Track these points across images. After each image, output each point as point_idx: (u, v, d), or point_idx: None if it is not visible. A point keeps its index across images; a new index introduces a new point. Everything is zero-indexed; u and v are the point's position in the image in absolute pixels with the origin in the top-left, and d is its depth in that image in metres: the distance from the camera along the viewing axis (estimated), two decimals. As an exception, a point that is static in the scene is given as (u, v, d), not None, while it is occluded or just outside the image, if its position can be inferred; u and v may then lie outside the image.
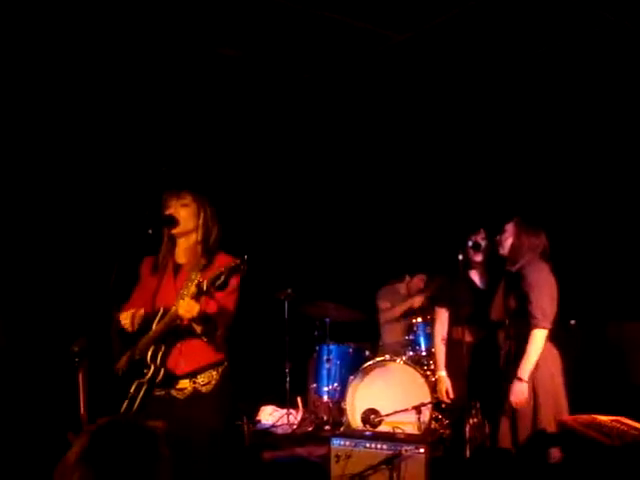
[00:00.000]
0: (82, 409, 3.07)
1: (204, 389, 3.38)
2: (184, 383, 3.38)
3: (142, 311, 3.41)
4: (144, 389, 3.33)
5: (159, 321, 3.36)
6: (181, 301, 3.16)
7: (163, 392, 3.39)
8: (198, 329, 3.27)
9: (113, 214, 3.48)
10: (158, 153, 6.49)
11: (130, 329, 3.39)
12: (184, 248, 3.55)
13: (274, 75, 6.27)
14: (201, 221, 3.50)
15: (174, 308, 3.23)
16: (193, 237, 3.52)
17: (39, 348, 5.06)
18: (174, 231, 3.49)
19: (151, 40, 5.44)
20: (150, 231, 3.36)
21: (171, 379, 3.36)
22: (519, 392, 4.23)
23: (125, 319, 3.38)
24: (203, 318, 3.20)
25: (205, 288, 3.06)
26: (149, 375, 3.32)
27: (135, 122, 6.32)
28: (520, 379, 4.22)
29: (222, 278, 3.02)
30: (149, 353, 3.34)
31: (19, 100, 5.71)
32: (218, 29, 5.38)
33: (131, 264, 3.33)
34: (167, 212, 3.49)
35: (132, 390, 3.33)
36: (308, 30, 5.41)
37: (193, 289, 3.12)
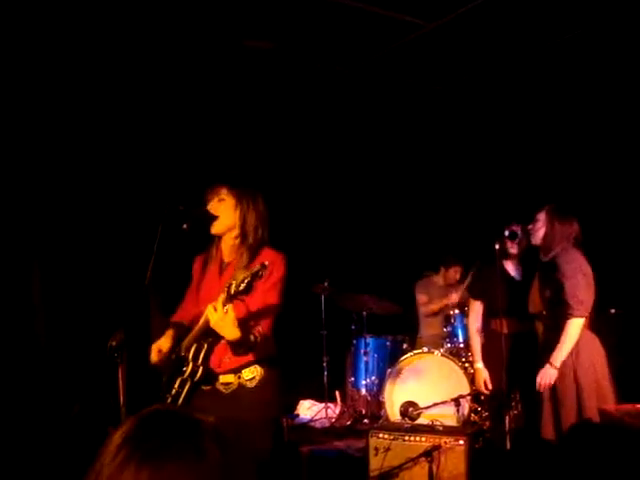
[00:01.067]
0: (122, 404, 3.08)
1: (249, 384, 3.33)
2: (229, 378, 3.34)
3: (167, 346, 3.43)
4: (188, 386, 3.32)
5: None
6: (209, 309, 3.09)
7: (209, 387, 3.37)
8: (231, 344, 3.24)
9: (153, 209, 3.47)
10: (195, 149, 6.52)
11: (155, 360, 3.43)
12: (229, 245, 3.51)
13: (304, 67, 6.25)
14: (239, 216, 3.44)
15: (207, 315, 3.17)
16: (233, 233, 3.47)
17: (79, 343, 5.11)
18: (213, 229, 3.44)
19: (179, 34, 5.46)
20: (185, 226, 3.34)
21: (214, 375, 3.34)
22: (547, 376, 4.20)
23: (153, 353, 3.44)
24: (230, 325, 3.12)
25: (232, 291, 3.00)
26: (187, 373, 3.30)
27: (172, 118, 6.35)
28: (551, 364, 4.18)
29: (245, 282, 2.96)
30: (191, 351, 3.32)
31: (47, 96, 5.76)
32: (246, 22, 5.37)
33: (168, 259, 3.32)
34: (206, 208, 3.44)
35: (176, 386, 3.33)
36: (336, 21, 5.38)
37: (222, 294, 3.06)
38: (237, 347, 3.22)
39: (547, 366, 4.19)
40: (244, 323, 3.18)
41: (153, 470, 1.19)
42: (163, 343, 3.47)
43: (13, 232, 5.61)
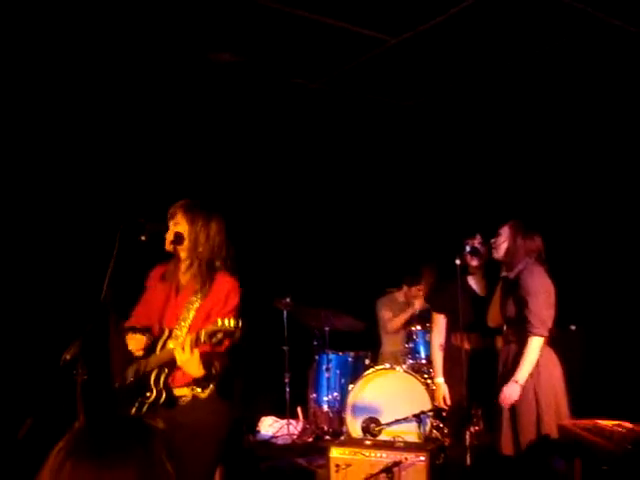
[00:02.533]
0: (80, 418, 3.04)
1: (202, 395, 3.38)
2: (183, 391, 3.38)
3: (145, 337, 3.46)
4: (146, 408, 3.36)
5: (162, 346, 3.40)
6: (177, 350, 3.18)
7: (165, 401, 3.40)
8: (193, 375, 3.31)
9: (111, 221, 3.44)
10: (155, 160, 6.47)
11: (137, 355, 3.46)
12: (184, 267, 3.51)
13: (270, 81, 6.25)
14: (191, 241, 3.43)
15: (172, 350, 3.25)
16: (188, 257, 3.48)
17: (32, 356, 5.03)
18: (167, 245, 3.47)
19: (146, 47, 5.43)
20: (143, 238, 3.33)
21: (173, 399, 3.38)
22: (511, 392, 4.20)
23: (131, 344, 3.45)
24: (194, 364, 3.22)
25: (202, 340, 3.11)
26: (152, 398, 3.35)
27: (137, 130, 6.31)
28: (516, 381, 4.19)
29: (218, 337, 3.08)
30: (152, 376, 3.37)
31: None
32: (213, 34, 5.36)
33: (125, 270, 3.29)
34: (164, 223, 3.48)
35: (136, 406, 3.37)
36: (302, 35, 5.40)
37: (192, 337, 3.15)
38: (200, 381, 3.33)
39: (512, 383, 4.20)
40: (207, 358, 3.27)
41: (93, 466, 1.16)
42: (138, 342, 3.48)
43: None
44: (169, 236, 3.45)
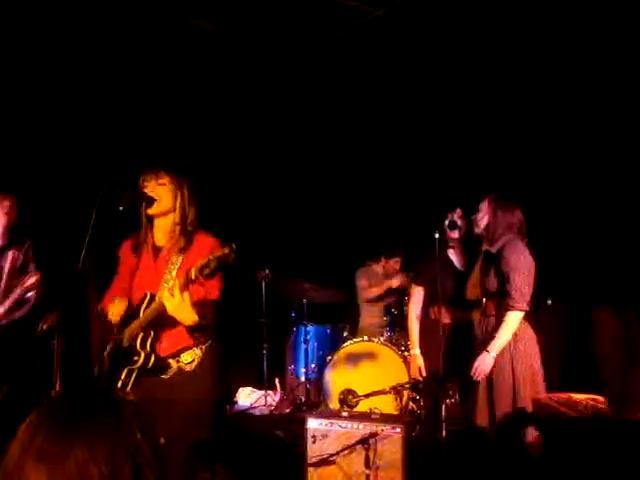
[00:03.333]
0: (56, 388, 3.02)
1: (188, 367, 3.36)
2: (170, 362, 3.37)
3: (124, 303, 3.42)
4: (134, 375, 3.32)
5: (146, 308, 3.33)
6: (166, 295, 3.11)
7: (152, 376, 3.37)
8: (190, 327, 3.26)
9: (87, 191, 3.41)
10: (135, 130, 6.40)
11: (115, 321, 3.41)
12: (162, 229, 3.51)
13: (250, 50, 6.18)
14: (178, 201, 3.46)
15: (159, 299, 3.20)
16: (171, 218, 3.48)
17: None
18: (151, 211, 3.44)
19: (125, 13, 5.35)
20: (121, 208, 3.30)
21: (161, 363, 3.35)
22: (484, 363, 4.23)
23: (111, 313, 3.40)
24: (186, 308, 3.15)
25: (193, 277, 3.01)
26: (140, 362, 3.29)
27: (111, 98, 6.23)
28: (488, 352, 4.22)
29: (211, 266, 2.97)
30: (138, 340, 3.32)
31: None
32: (194, 1, 5.29)
33: (104, 240, 3.27)
34: (144, 191, 3.44)
35: (123, 376, 3.32)
36: (286, 3, 5.33)
37: (181, 279, 3.07)
38: (193, 330, 3.27)
39: (484, 353, 4.23)
40: (198, 307, 3.21)
41: (65, 439, 1.16)
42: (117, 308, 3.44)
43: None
44: (156, 194, 3.41)
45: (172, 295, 3.07)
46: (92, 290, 3.64)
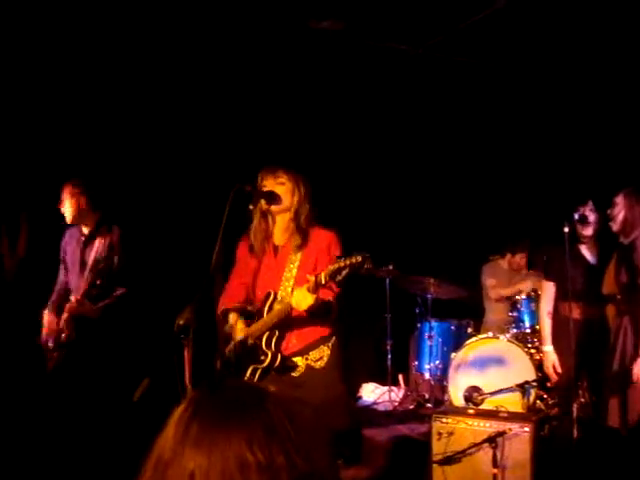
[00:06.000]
0: (188, 383, 3.11)
1: (317, 364, 3.40)
2: (297, 361, 3.41)
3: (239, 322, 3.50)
4: (259, 374, 3.38)
5: (270, 307, 3.40)
6: (296, 293, 3.15)
7: (277, 372, 3.42)
8: (312, 316, 3.29)
9: (215, 190, 3.52)
10: (254, 129, 6.53)
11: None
12: (280, 227, 3.56)
13: (376, 49, 6.16)
14: (296, 199, 3.50)
15: (283, 295, 3.27)
16: (287, 216, 3.53)
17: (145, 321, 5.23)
18: (274, 209, 3.49)
19: (243, 15, 5.45)
20: (251, 207, 3.38)
21: (287, 363, 3.39)
22: None
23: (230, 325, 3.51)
24: (317, 306, 3.19)
25: (324, 281, 3.02)
26: (267, 361, 3.35)
27: (232, 99, 6.38)
28: None
29: (343, 274, 2.96)
30: (264, 339, 3.37)
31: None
32: (313, 1, 5.31)
33: (231, 239, 3.37)
34: (265, 189, 3.48)
35: (248, 374, 3.38)
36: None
37: (311, 283, 3.07)
38: (315, 313, 3.25)
39: (638, 359, 4.09)
40: (324, 303, 3.26)
41: (221, 428, 1.21)
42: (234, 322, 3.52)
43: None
44: (278, 193, 3.46)
45: (303, 296, 3.09)
46: (219, 288, 3.73)
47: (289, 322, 3.36)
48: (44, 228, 5.87)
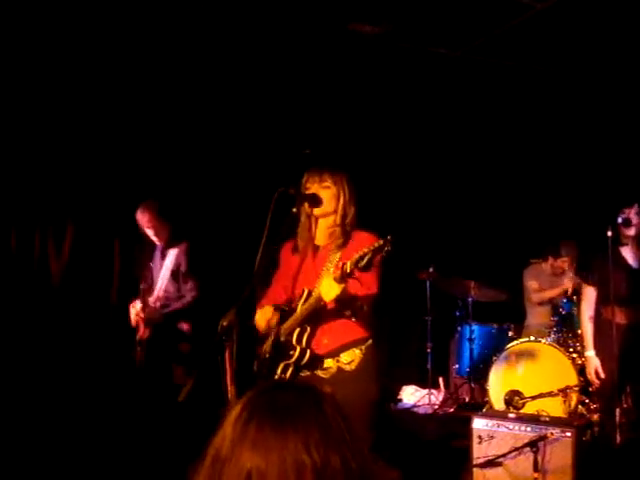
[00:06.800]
0: (230, 384, 3.14)
1: (348, 367, 3.36)
2: (328, 362, 3.37)
3: (274, 316, 3.47)
4: (290, 371, 3.35)
5: (303, 303, 3.37)
6: (323, 282, 3.13)
7: (308, 373, 3.39)
8: (342, 309, 3.27)
9: (261, 193, 3.55)
10: (299, 131, 6.57)
11: (262, 331, 3.50)
12: (323, 229, 3.55)
13: (411, 51, 6.16)
14: (340, 204, 3.47)
15: (317, 290, 3.23)
16: (331, 219, 3.50)
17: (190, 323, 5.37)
18: (316, 212, 3.47)
19: (282, 17, 5.48)
20: (294, 210, 3.39)
21: (316, 360, 3.36)
22: None
23: (259, 320, 3.50)
24: (345, 299, 3.17)
25: (349, 270, 2.99)
26: (295, 357, 3.32)
27: (277, 101, 6.43)
28: None
29: (365, 259, 2.94)
30: (294, 335, 3.35)
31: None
32: (353, 5, 5.31)
33: (276, 241, 3.39)
34: (309, 192, 3.46)
35: (279, 372, 3.36)
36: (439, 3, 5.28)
37: (337, 272, 3.05)
38: (344, 305, 3.24)
39: None
40: (355, 300, 3.24)
41: (277, 428, 1.23)
42: (270, 315, 3.52)
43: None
44: (322, 196, 3.43)
45: (329, 286, 3.06)
46: (262, 291, 3.77)
47: (321, 319, 3.34)
48: (90, 232, 6.03)
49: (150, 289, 5.38)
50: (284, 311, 3.48)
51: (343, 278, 3.04)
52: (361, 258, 2.95)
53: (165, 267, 5.29)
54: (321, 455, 1.20)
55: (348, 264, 2.99)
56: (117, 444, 4.68)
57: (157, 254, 5.46)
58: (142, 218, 5.32)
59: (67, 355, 5.71)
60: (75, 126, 6.01)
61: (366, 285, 3.30)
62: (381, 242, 2.94)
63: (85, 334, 5.86)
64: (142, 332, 5.32)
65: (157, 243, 5.44)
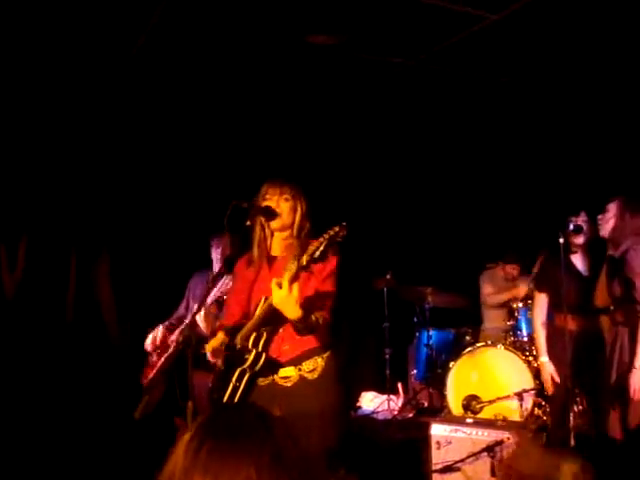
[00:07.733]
0: (188, 402, 3.12)
1: (310, 376, 3.33)
2: (289, 371, 3.34)
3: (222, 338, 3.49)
4: (247, 377, 3.30)
5: (260, 309, 3.33)
6: (273, 285, 3.05)
7: (268, 381, 3.37)
8: (299, 330, 3.21)
9: (209, 205, 3.55)
10: (255, 143, 6.58)
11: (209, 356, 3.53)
12: (279, 241, 3.53)
13: (367, 60, 6.20)
14: (298, 216, 3.47)
15: (267, 305, 3.18)
16: (288, 231, 3.49)
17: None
18: (273, 224, 3.45)
19: (241, 31, 5.48)
20: (248, 223, 3.38)
21: (274, 366, 3.32)
22: (638, 381, 4.10)
23: (208, 349, 3.51)
24: (300, 318, 3.11)
25: (305, 262, 2.95)
26: (249, 361, 3.27)
27: (231, 112, 6.43)
28: (636, 368, 4.08)
29: (321, 248, 2.92)
30: (251, 340, 3.31)
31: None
32: (309, 15, 5.33)
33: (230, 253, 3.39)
34: (266, 204, 3.44)
35: (234, 379, 3.32)
36: (396, 14, 5.32)
37: (292, 266, 3.01)
38: (299, 328, 3.17)
39: (634, 371, 4.10)
40: (306, 304, 3.17)
41: (231, 451, 1.24)
42: (215, 341, 3.52)
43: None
44: (279, 209, 3.42)
45: (279, 286, 3.01)
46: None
47: (280, 324, 3.28)
48: (43, 250, 5.97)
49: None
50: (239, 327, 3.44)
51: (297, 274, 3.01)
52: (316, 248, 2.94)
53: (214, 295, 5.06)
54: (273, 479, 1.22)
55: (304, 257, 2.97)
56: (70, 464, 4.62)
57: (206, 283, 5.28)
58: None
59: (19, 371, 5.62)
60: (31, 138, 5.94)
61: (321, 288, 3.31)
62: (336, 229, 2.94)
63: (39, 349, 5.78)
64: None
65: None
